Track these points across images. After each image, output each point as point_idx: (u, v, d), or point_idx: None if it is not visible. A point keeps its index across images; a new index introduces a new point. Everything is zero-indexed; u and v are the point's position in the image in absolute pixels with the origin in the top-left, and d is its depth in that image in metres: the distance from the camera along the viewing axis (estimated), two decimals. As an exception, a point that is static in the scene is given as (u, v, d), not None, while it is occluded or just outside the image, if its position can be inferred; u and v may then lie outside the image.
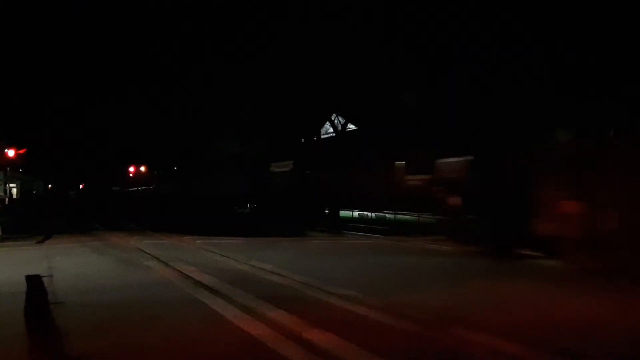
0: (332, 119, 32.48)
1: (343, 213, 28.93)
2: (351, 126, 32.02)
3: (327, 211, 27.83)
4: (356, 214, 30.04)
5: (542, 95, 17.91)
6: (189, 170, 43.35)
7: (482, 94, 19.94)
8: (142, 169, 58.37)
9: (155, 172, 55.89)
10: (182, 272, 10.22)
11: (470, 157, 14.79)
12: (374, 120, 28.32)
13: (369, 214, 29.04)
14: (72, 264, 11.67)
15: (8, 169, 42.40)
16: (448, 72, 20.63)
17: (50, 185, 76.00)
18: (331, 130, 33.26)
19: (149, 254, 13.18)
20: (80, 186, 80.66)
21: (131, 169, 59.48)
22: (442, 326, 6.10)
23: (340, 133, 32.15)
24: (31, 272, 7.31)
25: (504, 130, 18.41)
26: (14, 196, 49.14)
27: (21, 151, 40.65)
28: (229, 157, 35.60)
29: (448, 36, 19.63)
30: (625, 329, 6.20)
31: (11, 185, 48.24)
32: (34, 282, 6.96)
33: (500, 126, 18.77)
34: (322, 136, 33.84)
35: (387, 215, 27.78)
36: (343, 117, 31.76)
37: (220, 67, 29.43)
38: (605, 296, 7.91)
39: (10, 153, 39.28)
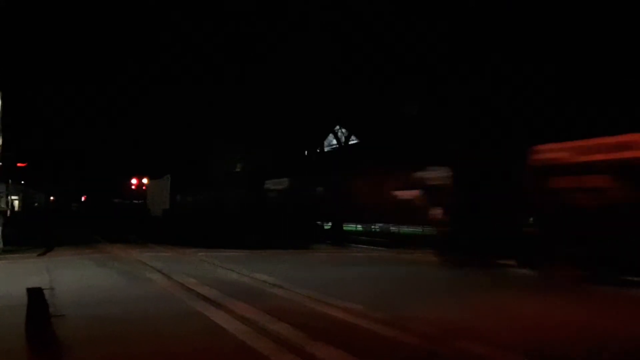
0: (335, 130, 32.48)
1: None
2: (354, 139, 32.01)
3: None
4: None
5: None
6: (189, 185, 43.63)
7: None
8: (145, 181, 58.32)
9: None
10: (184, 285, 10.18)
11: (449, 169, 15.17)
12: (374, 132, 28.35)
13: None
14: (74, 277, 11.63)
15: (10, 181, 42.44)
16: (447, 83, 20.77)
17: (52, 198, 76.02)
18: (334, 142, 33.27)
19: (151, 267, 13.15)
20: (82, 198, 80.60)
21: (133, 181, 59.41)
22: (445, 339, 6.05)
23: (344, 145, 32.16)
24: (32, 285, 7.30)
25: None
26: (16, 208, 49.13)
27: (22, 164, 40.79)
28: (227, 173, 36.40)
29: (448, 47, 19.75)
30: (619, 336, 6.16)
31: (13, 197, 48.22)
32: (35, 295, 6.94)
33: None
34: (326, 148, 33.85)
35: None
36: (346, 129, 31.77)
37: (223, 79, 29.56)
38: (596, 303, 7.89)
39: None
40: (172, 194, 44.63)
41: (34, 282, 9.80)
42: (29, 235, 25.21)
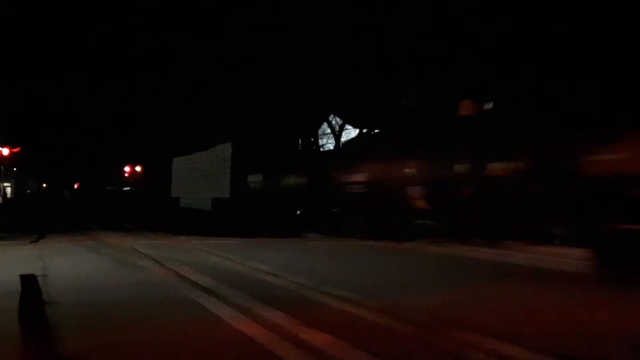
0: (330, 119, 32.35)
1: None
2: (349, 127, 31.89)
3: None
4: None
5: None
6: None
7: None
8: (138, 168, 58.06)
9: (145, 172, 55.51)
10: (177, 272, 10.19)
11: None
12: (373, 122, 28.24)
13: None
14: (67, 264, 11.61)
15: (2, 167, 42.27)
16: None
17: (44, 185, 75.71)
18: (328, 130, 33.15)
19: (145, 254, 13.14)
20: (75, 185, 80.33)
21: (127, 168, 59.15)
22: (438, 327, 6.09)
23: (338, 134, 32.08)
24: (25, 272, 7.27)
25: None
26: (8, 195, 48.97)
27: (15, 149, 40.53)
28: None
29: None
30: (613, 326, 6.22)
31: (5, 184, 48.08)
32: (29, 282, 6.92)
33: None
34: (320, 137, 33.74)
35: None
36: (340, 117, 31.65)
37: (217, 67, 29.38)
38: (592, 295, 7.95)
39: (5, 151, 39.15)
40: (236, 172, 30.17)
41: (27, 269, 9.76)
42: (22, 221, 25.13)
